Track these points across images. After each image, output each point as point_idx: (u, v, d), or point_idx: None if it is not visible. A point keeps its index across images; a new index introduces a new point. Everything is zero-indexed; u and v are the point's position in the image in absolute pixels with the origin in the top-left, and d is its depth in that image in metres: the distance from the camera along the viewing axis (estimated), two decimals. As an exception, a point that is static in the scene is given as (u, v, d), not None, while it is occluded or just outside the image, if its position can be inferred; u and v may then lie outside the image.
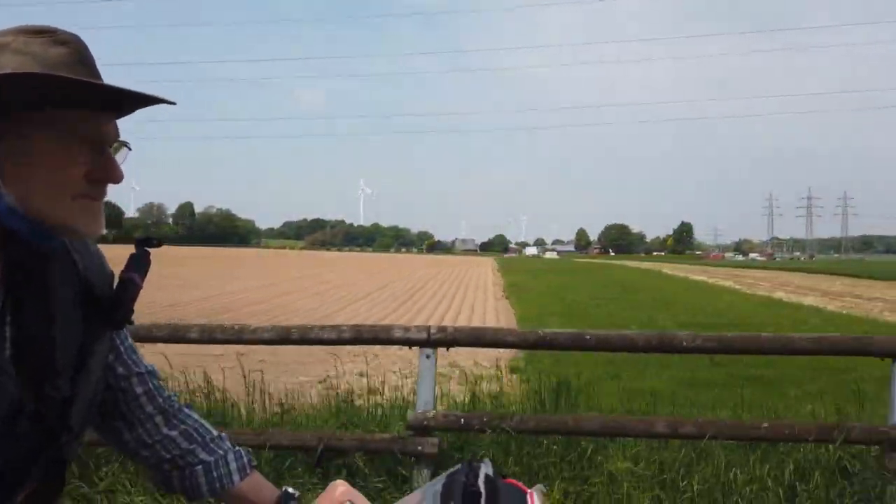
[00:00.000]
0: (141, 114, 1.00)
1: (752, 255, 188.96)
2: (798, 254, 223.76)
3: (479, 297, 24.61)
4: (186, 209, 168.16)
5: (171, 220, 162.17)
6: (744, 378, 9.79)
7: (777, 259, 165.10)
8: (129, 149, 0.92)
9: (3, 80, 0.79)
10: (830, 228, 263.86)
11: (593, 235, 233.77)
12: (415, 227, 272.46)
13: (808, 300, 24.64)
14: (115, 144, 0.90)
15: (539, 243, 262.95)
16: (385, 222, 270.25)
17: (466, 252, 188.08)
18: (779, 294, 27.45)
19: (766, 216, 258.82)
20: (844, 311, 20.07)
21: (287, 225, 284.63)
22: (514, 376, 8.17)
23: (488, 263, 63.47)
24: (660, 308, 19.27)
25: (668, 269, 55.24)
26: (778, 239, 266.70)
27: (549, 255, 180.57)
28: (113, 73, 1.03)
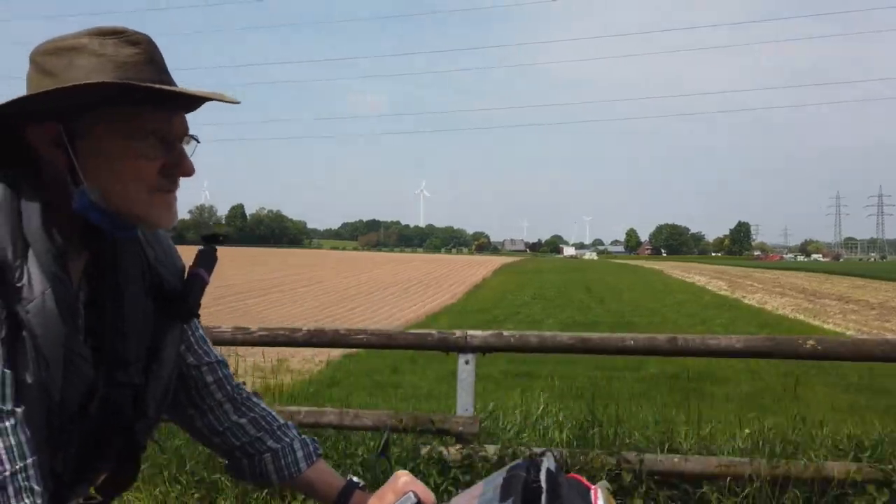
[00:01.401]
0: (201, 117, 1.07)
1: (814, 257, 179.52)
2: (873, 255, 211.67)
3: (440, 296, 24.50)
4: (238, 210, 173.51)
5: (223, 222, 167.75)
6: (517, 374, 9.48)
7: (842, 260, 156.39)
8: (198, 141, 0.95)
9: (81, 87, 0.83)
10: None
11: (646, 236, 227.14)
12: (471, 228, 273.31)
13: (776, 302, 23.32)
14: (185, 138, 0.93)
15: (597, 244, 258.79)
16: (444, 223, 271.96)
17: (514, 252, 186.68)
18: (755, 297, 26.05)
19: (831, 215, 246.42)
20: (789, 315, 18.96)
21: (345, 226, 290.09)
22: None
23: (498, 263, 62.52)
24: (582, 309, 18.76)
25: (679, 270, 53.01)
26: (853, 240, 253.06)
27: (588, 255, 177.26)
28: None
